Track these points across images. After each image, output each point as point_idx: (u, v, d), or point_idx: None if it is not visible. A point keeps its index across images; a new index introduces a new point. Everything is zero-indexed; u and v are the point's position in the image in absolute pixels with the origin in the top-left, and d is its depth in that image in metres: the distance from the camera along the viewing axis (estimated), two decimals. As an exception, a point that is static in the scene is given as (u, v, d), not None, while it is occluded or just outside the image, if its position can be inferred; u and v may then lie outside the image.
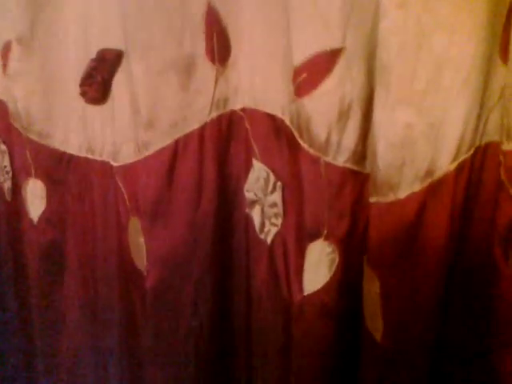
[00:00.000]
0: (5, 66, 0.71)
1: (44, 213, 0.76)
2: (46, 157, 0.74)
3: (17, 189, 0.78)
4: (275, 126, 0.59)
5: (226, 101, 0.62)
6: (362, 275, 0.55)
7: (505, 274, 0.46)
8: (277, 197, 0.60)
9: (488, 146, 0.50)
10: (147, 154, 0.62)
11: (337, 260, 0.56)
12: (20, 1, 0.68)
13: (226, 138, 0.63)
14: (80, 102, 0.69)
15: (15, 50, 0.70)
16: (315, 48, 0.51)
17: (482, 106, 0.49)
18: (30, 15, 0.68)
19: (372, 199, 0.50)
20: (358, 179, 0.54)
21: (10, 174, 0.79)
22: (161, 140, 0.61)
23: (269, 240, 0.61)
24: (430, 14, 0.46)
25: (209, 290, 0.65)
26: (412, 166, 0.48)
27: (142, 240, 0.64)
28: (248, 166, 0.63)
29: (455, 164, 0.49)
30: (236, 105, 0.62)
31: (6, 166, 0.80)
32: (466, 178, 0.50)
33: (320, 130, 0.53)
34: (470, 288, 0.51)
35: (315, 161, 0.54)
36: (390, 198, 0.49)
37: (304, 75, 0.52)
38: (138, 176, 0.63)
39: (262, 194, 0.61)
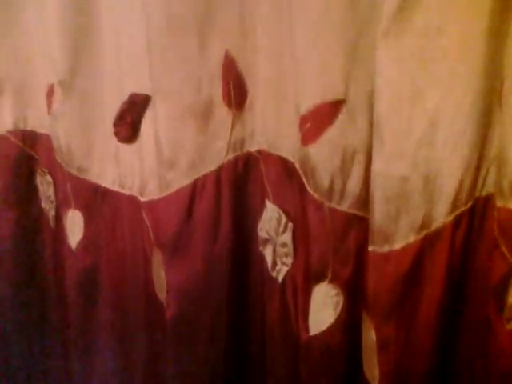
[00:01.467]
0: (49, 106, 0.78)
1: (82, 240, 0.82)
2: (84, 189, 0.80)
3: (59, 217, 0.85)
4: (287, 168, 0.61)
5: (242, 143, 0.65)
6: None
7: (498, 329, 0.46)
8: (287, 237, 0.62)
9: (489, 197, 0.49)
10: (169, 192, 0.66)
11: (341, 303, 0.57)
12: (62, 47, 0.74)
13: (242, 179, 0.66)
14: (114, 141, 0.74)
15: (57, 93, 0.76)
16: (319, 98, 0.54)
17: (481, 157, 0.49)
18: (71, 60, 0.75)
19: (370, 248, 0.51)
20: (362, 224, 0.55)
21: (54, 204, 0.86)
22: (181, 180, 0.65)
23: (280, 278, 0.63)
24: (424, 71, 0.46)
25: (224, 320, 0.67)
26: (407, 217, 0.49)
27: (163, 272, 0.68)
28: (262, 206, 0.65)
29: (452, 216, 0.49)
30: (252, 146, 0.65)
31: (50, 196, 0.87)
32: (465, 229, 0.49)
33: (323, 177, 0.55)
34: (466, 341, 0.51)
35: (320, 206, 0.56)
36: (386, 248, 0.49)
37: (308, 124, 0.55)
38: (160, 212, 0.67)
39: (274, 233, 0.64)
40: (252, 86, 0.63)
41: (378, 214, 0.49)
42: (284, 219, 0.62)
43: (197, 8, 0.61)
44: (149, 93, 0.67)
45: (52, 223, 0.88)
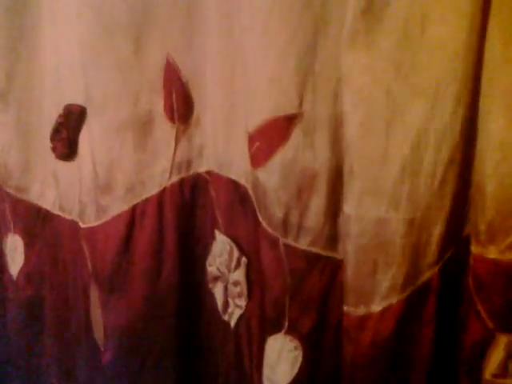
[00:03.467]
0: (-17, 118, 0.69)
1: (22, 269, 0.73)
2: (24, 211, 0.71)
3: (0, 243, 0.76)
4: (239, 194, 0.52)
5: (188, 163, 0.56)
6: (332, 379, 0.46)
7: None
8: (240, 274, 0.53)
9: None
10: (105, 219, 0.57)
11: (300, 359, 0.47)
12: (-5, 50, 0.65)
13: (189, 205, 0.56)
14: (53, 158, 0.65)
15: (-9, 103, 0.67)
16: (269, 113, 0.44)
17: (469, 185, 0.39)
18: (6, 66, 0.66)
19: (344, 308, 0.41)
20: (327, 266, 0.46)
21: (-5, 226, 0.77)
22: (117, 205, 0.56)
23: (232, 323, 0.54)
24: (402, 80, 0.37)
25: (170, 373, 0.58)
26: (387, 271, 0.39)
27: (99, 312, 0.59)
28: (212, 238, 0.55)
29: (439, 265, 0.39)
30: (201, 167, 0.56)
31: (-8, 217, 0.77)
32: (449, 277, 0.40)
33: (276, 207, 0.45)
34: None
35: (274, 241, 0.47)
36: (361, 310, 0.40)
37: (258, 143, 0.45)
38: (97, 242, 0.58)
39: (225, 269, 0.54)
40: (199, 98, 0.54)
41: (351, 267, 0.40)
42: (236, 253, 0.53)
43: (132, 3, 0.51)
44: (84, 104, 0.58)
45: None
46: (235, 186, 0.52)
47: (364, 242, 0.40)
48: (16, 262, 0.73)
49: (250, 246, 0.52)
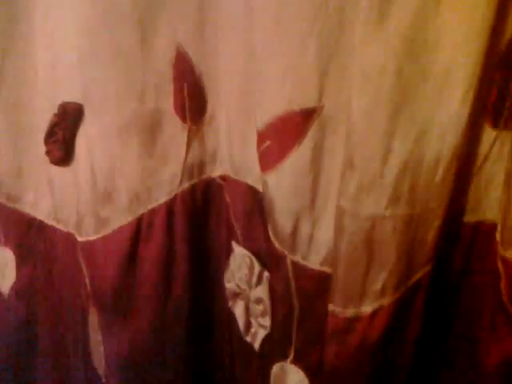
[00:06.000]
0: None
1: (14, 285, 0.66)
2: (15, 222, 0.64)
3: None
4: (258, 201, 0.45)
5: (201, 166, 0.49)
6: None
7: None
8: (263, 290, 0.46)
9: (480, 224, 0.39)
10: (105, 232, 0.50)
11: None
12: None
13: (203, 214, 0.50)
14: (47, 163, 0.58)
15: (-21, 103, 0.61)
16: (282, 107, 0.38)
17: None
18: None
19: (330, 307, 0.38)
20: None
21: (-15, 238, 0.70)
22: (119, 217, 0.49)
23: (256, 345, 0.47)
24: (415, 60, 0.33)
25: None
26: (380, 271, 0.36)
27: (99, 338, 0.52)
28: (229, 250, 0.49)
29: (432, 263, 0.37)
30: (214, 171, 0.49)
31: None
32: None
33: (284, 219, 0.40)
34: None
35: (281, 259, 0.41)
36: (351, 311, 0.37)
37: (268, 142, 0.39)
38: (96, 258, 0.51)
39: (245, 285, 0.47)
40: (212, 92, 0.47)
41: (342, 266, 0.37)
42: (257, 267, 0.46)
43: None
44: (82, 101, 0.51)
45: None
46: (253, 192, 0.46)
47: (358, 239, 0.36)
48: (7, 278, 0.66)
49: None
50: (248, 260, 0.47)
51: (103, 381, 0.53)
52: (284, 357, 0.42)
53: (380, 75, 0.33)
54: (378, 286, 0.37)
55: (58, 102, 0.55)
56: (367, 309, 0.38)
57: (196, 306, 0.50)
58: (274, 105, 0.38)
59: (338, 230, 0.37)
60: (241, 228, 0.47)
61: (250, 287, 0.47)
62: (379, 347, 0.38)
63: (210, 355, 0.52)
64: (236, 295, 0.49)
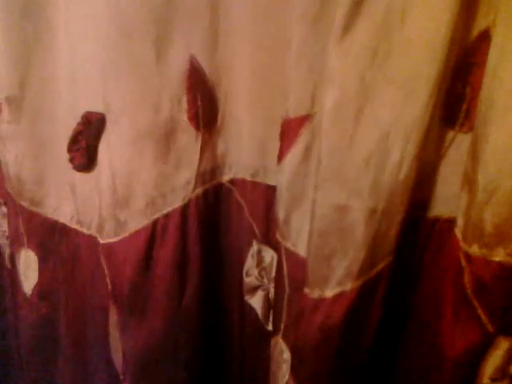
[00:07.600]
0: (-4, 128, 0.66)
1: (36, 286, 0.69)
2: (38, 226, 0.67)
3: (13, 258, 0.72)
4: None
5: (212, 172, 0.51)
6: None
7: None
8: None
9: (437, 220, 0.41)
10: (123, 235, 0.52)
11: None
12: (9, 58, 0.62)
13: (215, 217, 0.52)
14: (70, 169, 0.61)
15: (5, 111, 0.64)
16: (286, 113, 0.42)
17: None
18: (20, 73, 0.62)
19: (305, 289, 0.41)
20: None
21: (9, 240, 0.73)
22: (136, 220, 0.51)
23: None
24: (377, 69, 0.36)
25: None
26: (344, 258, 0.39)
27: (117, 335, 0.54)
28: (246, 249, 0.51)
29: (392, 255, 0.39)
30: (224, 176, 0.52)
31: (5, 231, 0.74)
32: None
33: (280, 209, 0.44)
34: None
35: (279, 244, 0.45)
36: (316, 293, 0.40)
37: (279, 142, 0.45)
38: (116, 259, 0.54)
39: (265, 278, 0.51)
40: (223, 102, 0.50)
41: (311, 250, 0.40)
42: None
43: (153, 2, 0.47)
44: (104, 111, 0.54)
45: (8, 263, 0.75)
46: (273, 191, 0.48)
47: (324, 227, 0.39)
48: (30, 278, 0.69)
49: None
50: (268, 255, 0.50)
51: (121, 377, 0.55)
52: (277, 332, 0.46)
53: (343, 80, 0.36)
54: (341, 272, 0.39)
55: (80, 111, 0.58)
56: (330, 293, 0.40)
57: (209, 304, 0.52)
58: (283, 111, 0.42)
59: (311, 217, 0.40)
60: (260, 226, 0.51)
61: (270, 280, 0.51)
62: (340, 329, 0.40)
63: (221, 350, 0.54)
64: (256, 288, 0.52)
